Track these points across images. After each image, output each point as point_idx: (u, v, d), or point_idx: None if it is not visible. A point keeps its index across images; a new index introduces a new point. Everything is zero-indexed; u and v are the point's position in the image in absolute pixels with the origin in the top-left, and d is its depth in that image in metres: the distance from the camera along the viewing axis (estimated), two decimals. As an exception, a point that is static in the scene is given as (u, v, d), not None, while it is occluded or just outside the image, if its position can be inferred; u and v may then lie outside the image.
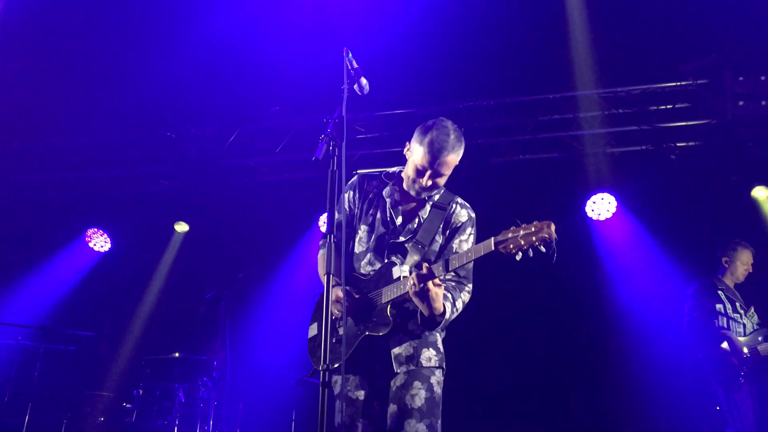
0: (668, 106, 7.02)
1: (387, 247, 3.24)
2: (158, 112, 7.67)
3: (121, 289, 8.63)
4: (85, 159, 8.39)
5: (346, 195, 3.42)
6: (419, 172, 3.19)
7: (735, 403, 5.48)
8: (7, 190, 8.45)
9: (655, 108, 7.06)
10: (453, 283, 3.18)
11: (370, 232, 3.30)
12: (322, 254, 3.47)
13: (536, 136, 7.36)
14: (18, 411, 6.29)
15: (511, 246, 2.76)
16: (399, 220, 3.27)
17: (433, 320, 3.01)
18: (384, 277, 3.13)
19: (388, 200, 3.32)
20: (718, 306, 5.79)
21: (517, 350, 7.32)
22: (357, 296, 3.14)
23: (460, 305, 3.15)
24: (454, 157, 3.18)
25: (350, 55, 3.06)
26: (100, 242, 8.82)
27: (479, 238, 3.16)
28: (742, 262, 5.99)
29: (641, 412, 6.65)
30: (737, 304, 5.87)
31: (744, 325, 5.78)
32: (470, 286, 3.25)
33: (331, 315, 2.98)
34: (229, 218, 8.45)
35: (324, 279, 2.78)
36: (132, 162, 8.35)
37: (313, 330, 3.34)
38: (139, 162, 8.33)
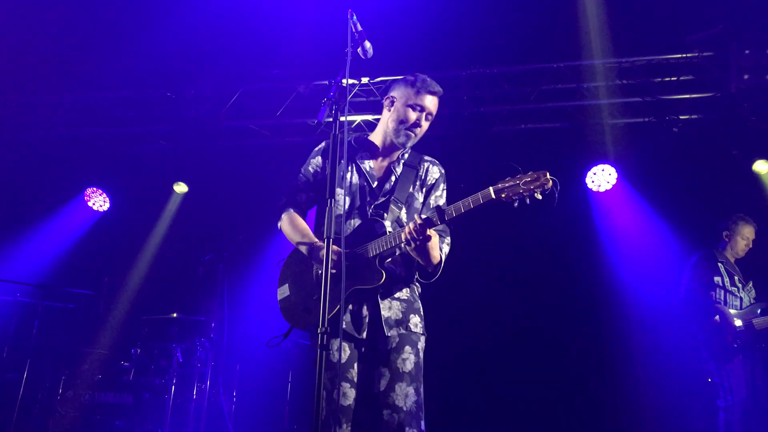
0: (672, 78, 6.98)
1: (367, 208, 3.29)
2: (158, 71, 7.59)
3: (120, 249, 8.64)
4: (84, 118, 8.32)
5: (314, 160, 3.51)
6: (411, 111, 3.32)
7: (726, 375, 5.54)
8: (6, 147, 8.40)
9: (660, 80, 7.01)
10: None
11: (346, 195, 3.31)
12: (286, 220, 3.46)
13: (538, 106, 7.31)
14: (17, 367, 6.35)
15: (511, 193, 2.82)
16: (375, 183, 3.36)
17: (431, 270, 3.13)
18: (367, 233, 3.18)
19: (361, 164, 3.40)
20: (717, 278, 5.82)
21: (514, 321, 7.36)
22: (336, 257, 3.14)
23: (443, 256, 3.24)
24: (436, 102, 3.38)
25: (355, 17, 3.04)
26: (99, 202, 8.81)
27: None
28: (743, 237, 6.00)
29: (633, 382, 6.72)
30: (736, 277, 5.89)
31: (741, 299, 5.82)
32: (449, 239, 3.33)
33: (318, 273, 3.15)
34: (228, 180, 8.43)
35: (300, 250, 3.08)
36: (131, 122, 8.28)
37: (283, 291, 3.37)
38: (138, 122, 8.26)
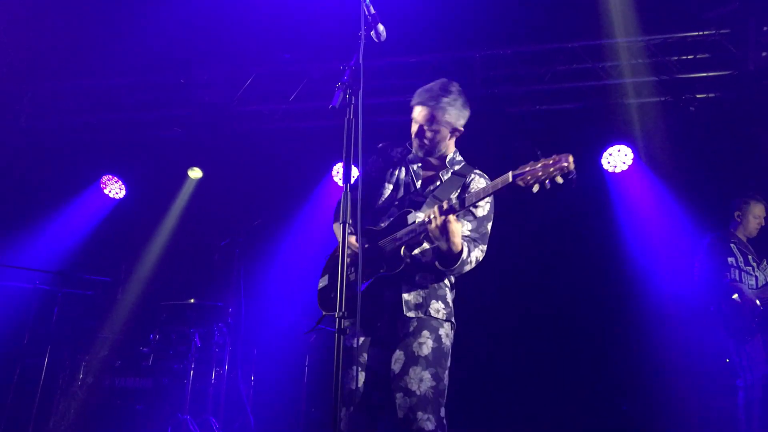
0: (689, 57, 6.89)
1: (407, 204, 3.32)
2: (171, 57, 7.59)
3: (137, 235, 8.69)
4: (97, 104, 8.33)
5: (370, 159, 3.57)
6: (413, 123, 3.39)
7: (746, 354, 5.52)
8: (23, 135, 8.45)
9: (676, 58, 6.93)
10: (468, 239, 3.22)
11: (393, 191, 3.42)
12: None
13: (553, 87, 7.25)
14: (37, 353, 6.42)
15: (529, 177, 2.78)
16: (419, 183, 3.40)
17: (451, 257, 3.07)
18: (398, 224, 3.21)
19: (411, 166, 3.45)
20: (730, 259, 5.78)
21: (529, 304, 7.34)
22: (368, 245, 3.26)
23: (473, 258, 3.21)
24: (423, 111, 3.31)
25: (368, 0, 3.02)
26: (114, 189, 8.86)
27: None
28: (755, 216, 5.97)
29: (651, 363, 6.69)
30: (750, 257, 5.85)
31: (756, 278, 5.78)
32: (484, 247, 3.30)
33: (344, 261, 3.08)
34: (243, 165, 8.44)
35: (337, 229, 2.88)
36: (144, 108, 8.30)
37: (323, 281, 3.44)
38: (151, 108, 8.28)
